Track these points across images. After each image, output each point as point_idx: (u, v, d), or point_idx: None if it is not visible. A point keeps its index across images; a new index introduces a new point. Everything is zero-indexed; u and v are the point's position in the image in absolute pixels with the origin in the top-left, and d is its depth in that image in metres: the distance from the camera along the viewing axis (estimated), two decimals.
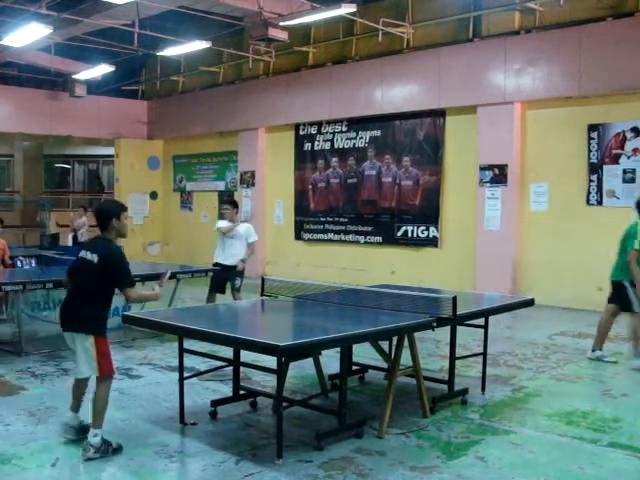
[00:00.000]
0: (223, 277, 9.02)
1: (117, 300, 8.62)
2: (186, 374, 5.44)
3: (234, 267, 9.03)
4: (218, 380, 6.23)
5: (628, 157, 10.61)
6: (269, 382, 6.17)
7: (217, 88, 17.17)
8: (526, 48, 11.54)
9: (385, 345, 5.85)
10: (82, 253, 4.72)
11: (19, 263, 9.78)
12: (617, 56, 10.43)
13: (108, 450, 4.46)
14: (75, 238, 16.43)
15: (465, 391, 5.86)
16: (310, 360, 5.69)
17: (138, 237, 18.50)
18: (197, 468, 4.36)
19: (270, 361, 4.68)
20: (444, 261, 12.72)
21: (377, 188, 13.85)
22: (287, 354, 4.36)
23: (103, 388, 4.58)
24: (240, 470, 4.28)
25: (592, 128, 10.92)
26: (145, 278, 8.47)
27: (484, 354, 6.28)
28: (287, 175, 15.50)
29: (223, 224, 9.13)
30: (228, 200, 10.07)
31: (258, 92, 15.88)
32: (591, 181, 10.96)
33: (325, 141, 14.79)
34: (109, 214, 4.75)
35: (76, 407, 4.84)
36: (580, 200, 11.07)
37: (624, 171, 10.63)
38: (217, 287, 9.11)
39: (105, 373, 4.58)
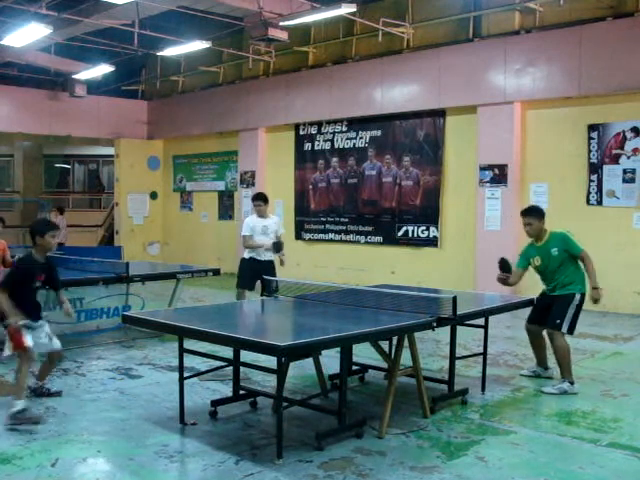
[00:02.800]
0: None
1: (117, 300, 8.71)
2: (186, 374, 5.44)
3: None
4: (218, 380, 6.23)
5: (628, 157, 10.61)
6: (269, 382, 6.17)
7: (217, 88, 17.17)
8: (526, 48, 11.54)
9: (385, 345, 5.85)
10: None
11: None
12: (617, 56, 10.43)
13: (20, 421, 4.96)
14: None
15: (465, 391, 5.86)
16: (310, 360, 5.69)
17: (138, 237, 18.52)
18: (197, 468, 4.36)
19: (270, 361, 4.68)
20: (444, 261, 12.73)
21: (377, 188, 13.86)
22: (287, 354, 4.36)
23: (20, 362, 5.22)
24: (240, 470, 4.28)
25: (592, 128, 10.92)
26: (145, 278, 8.49)
27: (484, 354, 6.29)
28: (287, 175, 15.50)
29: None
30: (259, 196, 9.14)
31: (258, 92, 15.88)
32: (591, 181, 10.97)
33: (325, 141, 14.79)
34: (32, 231, 5.50)
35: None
36: (580, 200, 11.07)
37: (624, 171, 10.64)
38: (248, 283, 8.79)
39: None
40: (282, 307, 6.04)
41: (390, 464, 4.40)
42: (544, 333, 6.48)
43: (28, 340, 5.13)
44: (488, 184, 11.92)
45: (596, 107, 10.92)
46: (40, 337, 5.38)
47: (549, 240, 6.34)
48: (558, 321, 6.18)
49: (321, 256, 14.78)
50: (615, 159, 10.73)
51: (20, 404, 4.99)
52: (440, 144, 12.83)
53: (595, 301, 6.19)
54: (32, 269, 5.42)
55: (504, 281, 6.46)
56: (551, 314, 6.24)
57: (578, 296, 6.21)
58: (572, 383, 6.14)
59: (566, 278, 6.27)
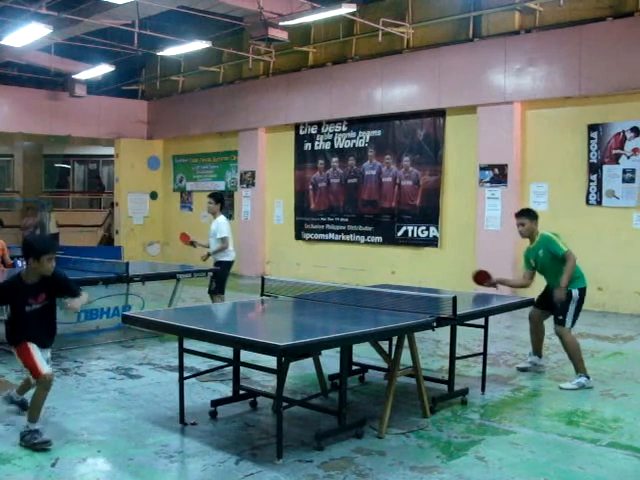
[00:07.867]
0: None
1: (117, 300, 8.71)
2: (186, 374, 5.44)
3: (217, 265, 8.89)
4: (218, 380, 6.23)
5: (628, 157, 10.61)
6: (269, 382, 6.17)
7: (217, 88, 17.17)
8: (526, 48, 11.54)
9: (385, 345, 5.85)
10: None
11: (19, 263, 9.77)
12: (617, 56, 10.43)
13: (29, 441, 4.58)
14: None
15: (465, 391, 5.86)
16: (310, 360, 5.69)
17: (138, 237, 18.52)
18: (197, 468, 4.36)
19: (270, 361, 4.68)
20: (444, 261, 12.73)
21: (377, 188, 13.86)
22: (287, 354, 4.36)
23: (37, 388, 4.74)
24: (240, 470, 4.28)
25: (592, 128, 10.92)
26: (145, 278, 8.48)
27: (484, 354, 6.29)
28: (287, 175, 15.51)
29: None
30: (212, 194, 9.45)
31: (258, 92, 15.88)
32: (591, 181, 10.97)
33: (325, 141, 14.79)
34: (27, 252, 4.78)
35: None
36: (580, 200, 11.07)
37: (624, 171, 10.64)
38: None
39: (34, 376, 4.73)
40: (282, 307, 6.04)
41: (390, 464, 4.40)
42: (553, 330, 6.56)
43: (43, 366, 4.68)
44: (488, 184, 11.92)
45: (596, 107, 10.92)
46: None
47: (538, 242, 6.61)
48: (561, 317, 6.38)
49: (321, 256, 14.78)
50: (615, 159, 10.73)
51: (32, 425, 4.63)
52: (440, 144, 12.83)
53: (556, 299, 6.35)
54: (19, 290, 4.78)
55: (495, 285, 6.86)
56: (555, 312, 6.43)
57: (576, 292, 6.40)
58: (588, 377, 6.29)
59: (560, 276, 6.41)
